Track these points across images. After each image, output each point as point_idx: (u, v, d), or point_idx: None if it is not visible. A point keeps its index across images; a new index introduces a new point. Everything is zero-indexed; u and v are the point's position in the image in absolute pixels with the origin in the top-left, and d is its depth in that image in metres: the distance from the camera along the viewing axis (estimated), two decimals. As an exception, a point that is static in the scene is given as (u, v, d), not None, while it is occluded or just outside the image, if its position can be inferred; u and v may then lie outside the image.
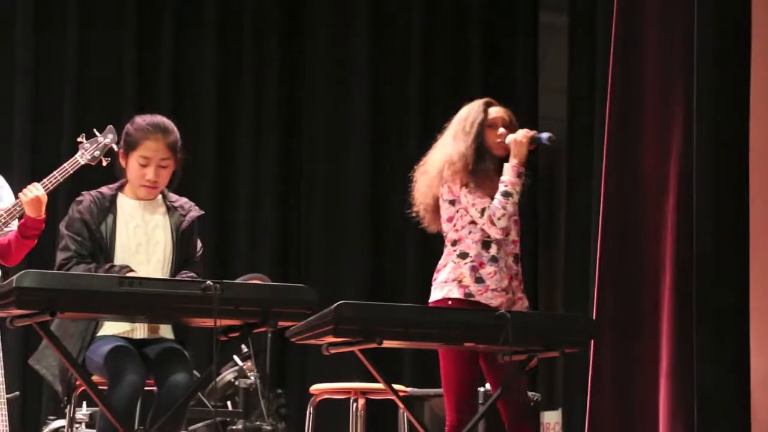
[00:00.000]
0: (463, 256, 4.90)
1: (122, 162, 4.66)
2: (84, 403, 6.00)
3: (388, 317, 4.25)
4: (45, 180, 4.85)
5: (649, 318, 5.38)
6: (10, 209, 4.85)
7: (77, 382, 4.45)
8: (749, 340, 4.91)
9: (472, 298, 4.85)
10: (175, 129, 4.67)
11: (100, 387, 4.22)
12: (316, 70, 7.97)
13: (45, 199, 4.78)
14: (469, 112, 5.00)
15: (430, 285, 7.72)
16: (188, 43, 7.85)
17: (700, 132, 5.14)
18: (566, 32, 7.39)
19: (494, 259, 4.87)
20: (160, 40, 7.79)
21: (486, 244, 4.89)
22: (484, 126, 4.96)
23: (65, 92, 7.59)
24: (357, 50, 7.95)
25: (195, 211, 4.70)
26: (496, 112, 5.00)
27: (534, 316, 4.67)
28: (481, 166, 4.90)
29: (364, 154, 7.88)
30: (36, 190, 4.77)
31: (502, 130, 4.95)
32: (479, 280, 4.86)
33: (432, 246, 7.82)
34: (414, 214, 5.13)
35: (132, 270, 4.46)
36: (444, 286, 4.92)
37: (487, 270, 4.86)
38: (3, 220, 4.85)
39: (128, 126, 4.66)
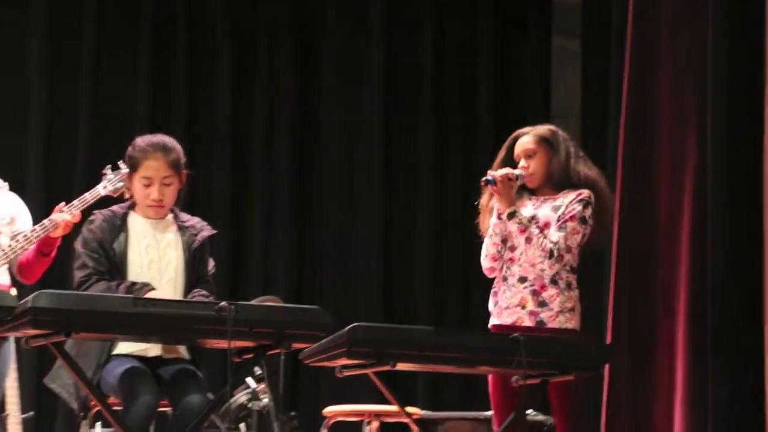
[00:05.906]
0: (493, 281, 4.97)
1: (128, 184, 4.67)
2: (98, 424, 5.99)
3: (401, 340, 4.24)
4: (65, 208, 4.87)
5: (663, 345, 5.37)
6: (29, 236, 4.86)
7: (92, 402, 4.45)
8: (765, 367, 4.89)
9: (495, 323, 4.89)
10: (177, 146, 4.66)
11: (114, 407, 4.22)
12: (329, 97, 7.98)
13: (75, 220, 4.86)
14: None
15: (442, 307, 7.78)
16: (201, 64, 7.89)
17: (714, 160, 5.14)
18: (579, 57, 7.39)
19: (504, 278, 4.90)
20: (174, 64, 7.81)
21: (502, 267, 4.92)
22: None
23: (81, 109, 7.61)
24: (370, 85, 7.96)
25: (207, 231, 4.69)
26: (520, 145, 5.02)
27: (548, 339, 4.62)
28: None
29: (377, 176, 7.88)
30: (67, 215, 4.84)
31: (523, 162, 4.96)
32: (496, 303, 4.90)
33: (443, 268, 7.87)
34: None
35: (153, 288, 4.46)
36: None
37: (501, 289, 4.90)
38: (22, 244, 4.87)
39: (129, 148, 4.66)
